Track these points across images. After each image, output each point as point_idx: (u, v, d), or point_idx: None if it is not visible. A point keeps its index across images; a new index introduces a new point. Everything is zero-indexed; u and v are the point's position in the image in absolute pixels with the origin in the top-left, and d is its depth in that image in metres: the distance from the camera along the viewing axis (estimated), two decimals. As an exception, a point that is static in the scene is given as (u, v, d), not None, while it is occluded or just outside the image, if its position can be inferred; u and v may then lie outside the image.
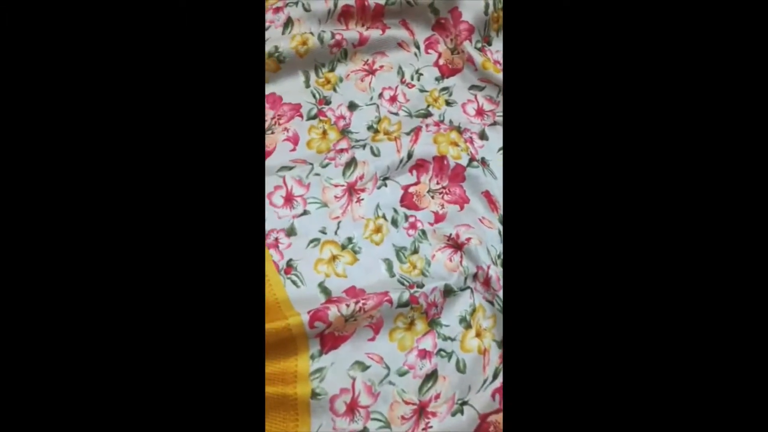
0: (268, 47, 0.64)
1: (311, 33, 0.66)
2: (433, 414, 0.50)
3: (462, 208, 0.60)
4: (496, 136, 0.65)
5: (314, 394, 0.50)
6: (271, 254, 0.56)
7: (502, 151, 0.63)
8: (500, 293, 0.54)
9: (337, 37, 0.66)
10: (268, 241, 0.57)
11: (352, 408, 0.50)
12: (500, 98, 0.68)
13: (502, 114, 0.66)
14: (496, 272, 0.55)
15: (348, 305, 0.51)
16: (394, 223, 0.59)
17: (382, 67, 0.69)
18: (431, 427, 0.49)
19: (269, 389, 0.49)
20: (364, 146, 0.62)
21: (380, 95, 0.67)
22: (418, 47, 0.70)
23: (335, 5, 0.68)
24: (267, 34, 0.69)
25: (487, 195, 0.60)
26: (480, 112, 0.67)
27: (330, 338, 0.52)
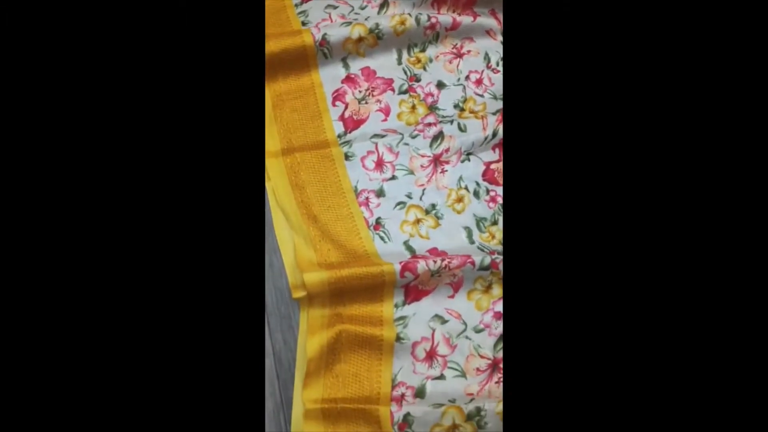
0: (370, 24, 0.69)
1: (408, 14, 0.70)
2: (505, 370, 0.54)
3: (540, 187, 0.64)
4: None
5: (398, 338, 0.54)
6: (361, 211, 0.61)
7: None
8: None
9: (432, 20, 0.70)
10: (360, 199, 0.62)
11: (431, 356, 0.54)
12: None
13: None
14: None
15: (435, 261, 0.55)
16: (476, 194, 0.63)
17: (469, 51, 0.73)
18: (503, 381, 0.53)
19: (357, 329, 0.54)
20: (451, 122, 0.66)
21: (467, 77, 0.71)
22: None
23: (431, -10, 0.73)
24: (364, 12, 0.74)
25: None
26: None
27: (413, 290, 0.56)
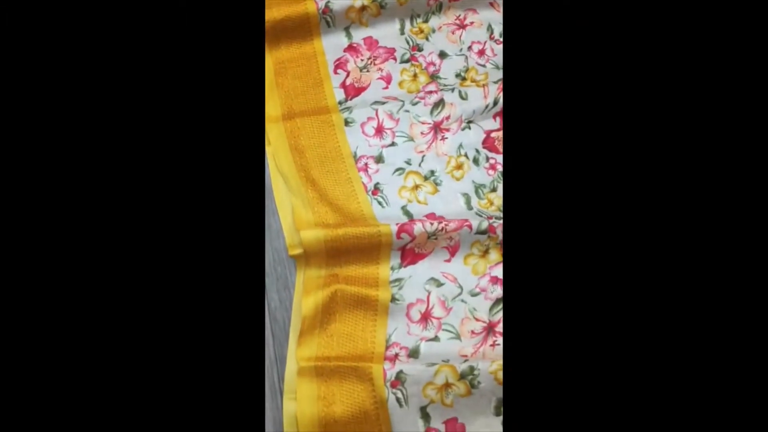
0: (372, -8, 0.69)
1: (412, -17, 0.70)
2: (501, 334, 0.54)
3: (540, 155, 0.63)
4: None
5: (393, 299, 0.54)
6: (360, 176, 0.61)
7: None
8: None
9: (436, -11, 0.70)
10: (359, 165, 0.62)
11: (426, 317, 0.54)
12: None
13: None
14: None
15: (432, 223, 0.55)
16: (476, 162, 0.63)
17: (472, 23, 0.72)
18: (498, 344, 0.53)
19: (352, 289, 0.54)
20: (452, 90, 0.66)
21: (469, 48, 0.70)
22: (508, 8, 0.74)
23: (435, -39, 0.73)
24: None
25: (566, 147, 0.63)
26: (563, 73, 0.70)
27: (410, 253, 0.56)
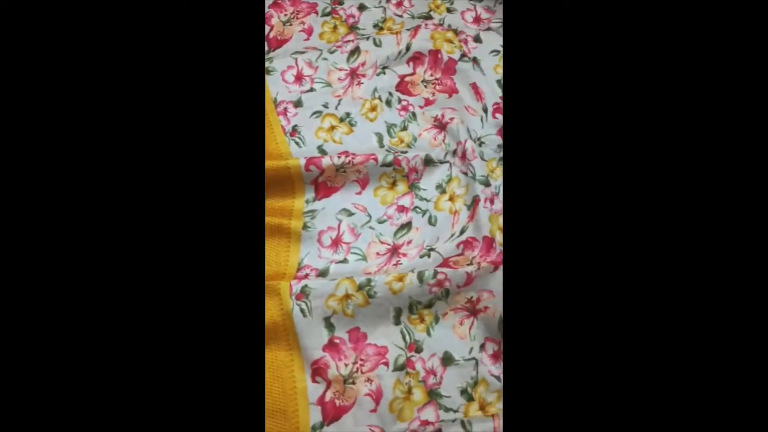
0: (292, -51, 0.72)
1: (331, -60, 0.74)
2: (404, 255, 0.59)
3: (450, 96, 0.68)
4: (489, 40, 0.71)
5: (305, 227, 0.59)
6: (279, 120, 0.66)
7: (494, 53, 0.70)
8: (474, 163, 0.62)
9: (354, -56, 0.74)
10: (278, 109, 0.66)
11: (336, 243, 0.59)
12: (497, 8, 0.74)
13: (496, 21, 0.73)
14: (471, 146, 0.62)
15: (339, 157, 0.60)
16: (388, 104, 0.67)
17: (392, -24, 0.76)
18: (401, 264, 0.58)
19: (270, 219, 0.59)
20: (368, 38, 0.70)
21: (388, 0, 0.74)
22: (427, -39, 0.78)
23: None
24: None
25: (474, 87, 0.68)
26: (477, 20, 0.74)
27: (323, 187, 0.61)
